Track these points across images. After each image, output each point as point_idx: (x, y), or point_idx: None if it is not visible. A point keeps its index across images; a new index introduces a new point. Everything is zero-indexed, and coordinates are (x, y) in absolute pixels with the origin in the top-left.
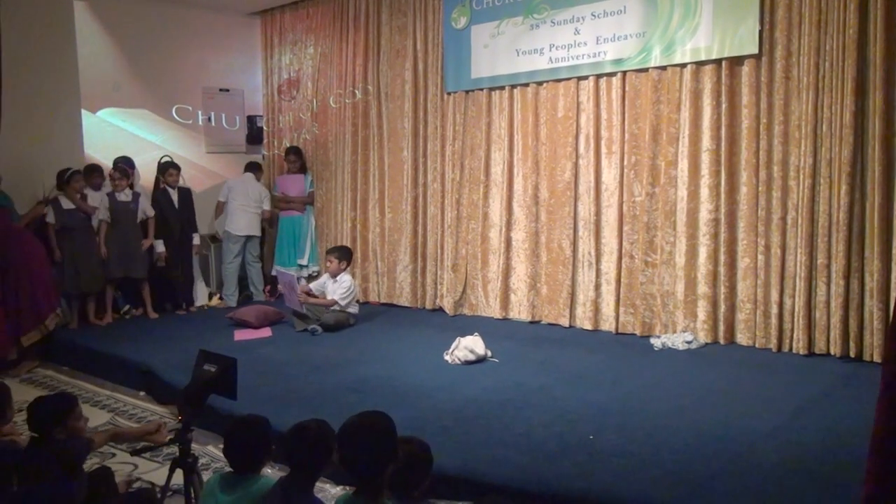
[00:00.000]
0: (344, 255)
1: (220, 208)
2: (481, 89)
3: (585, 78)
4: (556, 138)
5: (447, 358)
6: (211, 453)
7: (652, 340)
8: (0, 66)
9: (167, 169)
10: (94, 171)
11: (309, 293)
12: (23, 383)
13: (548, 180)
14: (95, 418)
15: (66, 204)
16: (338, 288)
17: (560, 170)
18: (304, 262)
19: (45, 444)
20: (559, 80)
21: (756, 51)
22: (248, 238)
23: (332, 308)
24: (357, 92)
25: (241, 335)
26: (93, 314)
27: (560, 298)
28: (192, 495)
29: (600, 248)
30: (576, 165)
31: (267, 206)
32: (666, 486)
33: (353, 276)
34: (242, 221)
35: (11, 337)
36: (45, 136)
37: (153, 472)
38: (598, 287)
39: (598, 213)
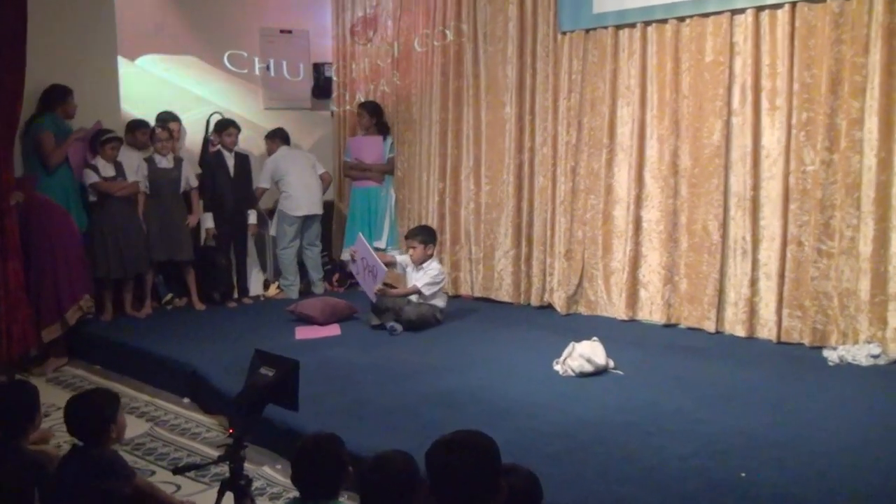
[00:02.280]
0: (429, 238)
1: (260, 194)
2: (605, 27)
3: (742, 11)
4: (701, 90)
5: (557, 368)
6: (267, 475)
7: (826, 353)
8: (26, 7)
9: (226, 128)
10: (138, 127)
11: (387, 286)
12: (49, 384)
13: (690, 144)
14: (131, 427)
15: (105, 169)
16: (423, 276)
17: (707, 131)
18: (381, 244)
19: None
20: (707, 15)
21: None
22: (308, 218)
23: (412, 300)
24: (448, 33)
25: (303, 333)
26: (129, 304)
27: (704, 296)
28: None
29: (758, 231)
30: (727, 125)
31: (321, 169)
32: None
33: (442, 264)
34: (304, 200)
35: (34, 329)
36: (76, 87)
37: (199, 494)
38: (754, 282)
39: (755, 187)
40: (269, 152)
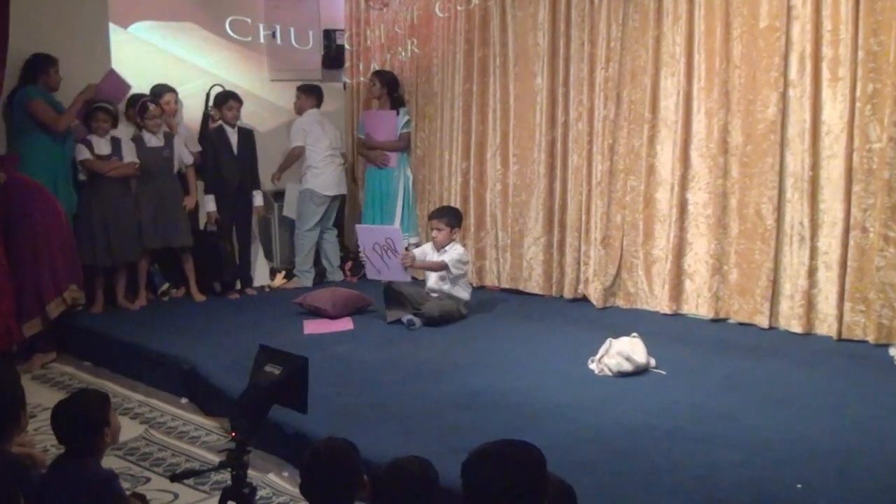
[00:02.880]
0: (455, 221)
1: (297, 156)
2: None
3: None
4: (755, 59)
5: (593, 367)
6: (273, 484)
7: (892, 352)
8: None
9: (226, 101)
10: (133, 103)
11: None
12: (35, 381)
13: (742, 119)
14: (124, 430)
15: (100, 145)
16: (447, 255)
17: (761, 104)
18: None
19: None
20: None
21: None
22: (334, 199)
23: (436, 292)
24: None
25: (312, 327)
26: (121, 295)
27: (757, 288)
28: None
29: (817, 216)
30: (784, 97)
31: (344, 149)
32: None
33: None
34: (333, 177)
35: (18, 323)
36: (63, 58)
37: (198, 503)
38: (812, 273)
39: (815, 167)
40: (298, 110)
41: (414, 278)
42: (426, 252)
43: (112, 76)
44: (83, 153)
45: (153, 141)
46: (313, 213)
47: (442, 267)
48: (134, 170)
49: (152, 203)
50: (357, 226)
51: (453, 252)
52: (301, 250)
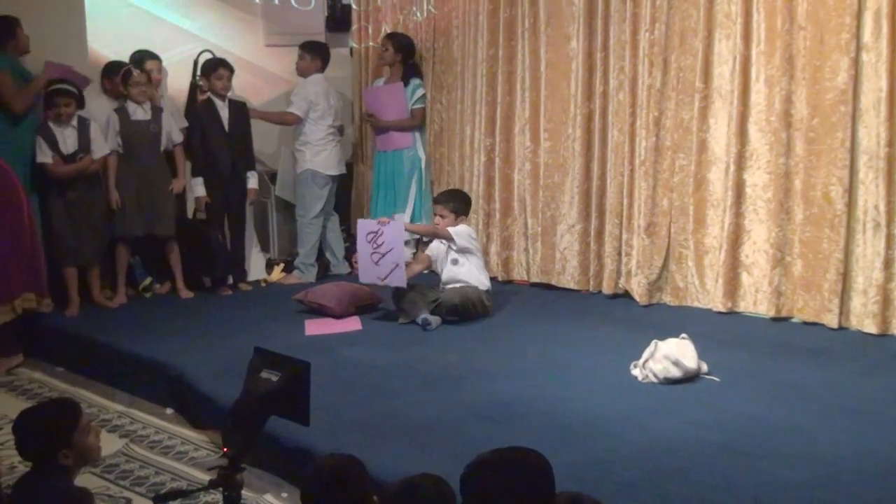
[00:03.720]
0: (461, 207)
1: (287, 123)
2: None
3: None
4: (823, 18)
5: (636, 373)
6: None
7: None
8: None
9: (215, 69)
10: (116, 70)
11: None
12: (0, 390)
13: (808, 88)
14: (102, 445)
15: (63, 138)
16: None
17: (829, 71)
18: (405, 218)
19: (44, 481)
20: None
21: None
22: (336, 178)
23: (452, 283)
24: None
25: (315, 327)
26: (97, 290)
27: (825, 282)
28: None
29: (894, 200)
30: (856, 63)
31: (342, 123)
32: None
33: (489, 240)
34: (335, 154)
35: None
36: (31, 22)
37: None
38: (889, 264)
39: (891, 143)
40: (301, 72)
41: (410, 286)
42: (439, 249)
43: (57, 69)
44: (43, 153)
45: (139, 113)
46: (317, 197)
47: (444, 235)
48: (96, 166)
49: (136, 185)
50: (360, 220)
51: (458, 234)
52: (306, 242)
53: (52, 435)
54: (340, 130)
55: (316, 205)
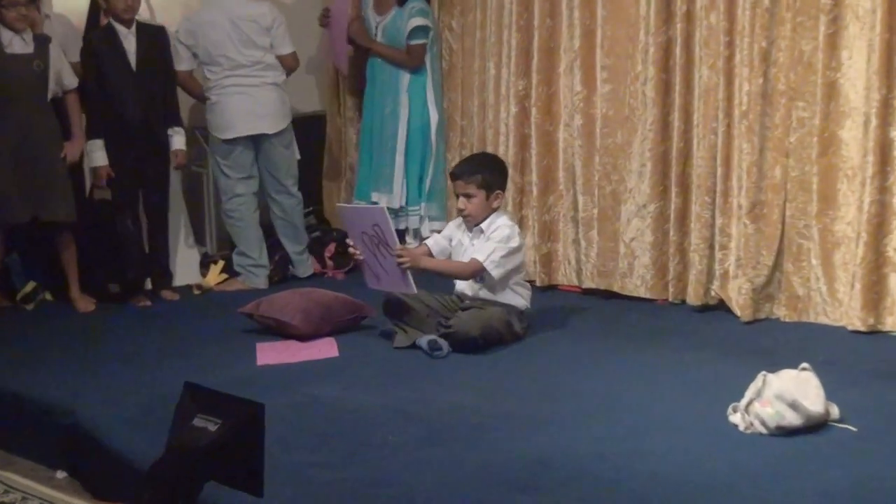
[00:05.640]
0: (494, 177)
1: (196, 93)
2: None
3: None
4: None
5: (736, 420)
6: None
7: None
8: None
9: None
10: None
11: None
12: None
13: None
14: None
15: None
16: (485, 244)
17: None
18: (395, 199)
19: None
20: None
21: None
22: (261, 141)
23: (471, 298)
24: None
25: (270, 354)
26: None
27: None
28: None
29: None
30: None
31: (288, 49)
32: None
33: (523, 228)
34: (243, 106)
35: None
36: None
37: None
38: None
39: None
40: None
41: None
42: (451, 237)
43: None
44: None
45: (17, 44)
46: (232, 170)
47: (472, 272)
48: None
49: (11, 149)
50: (338, 205)
51: (495, 236)
52: (235, 234)
53: None
54: (286, 63)
55: (227, 181)
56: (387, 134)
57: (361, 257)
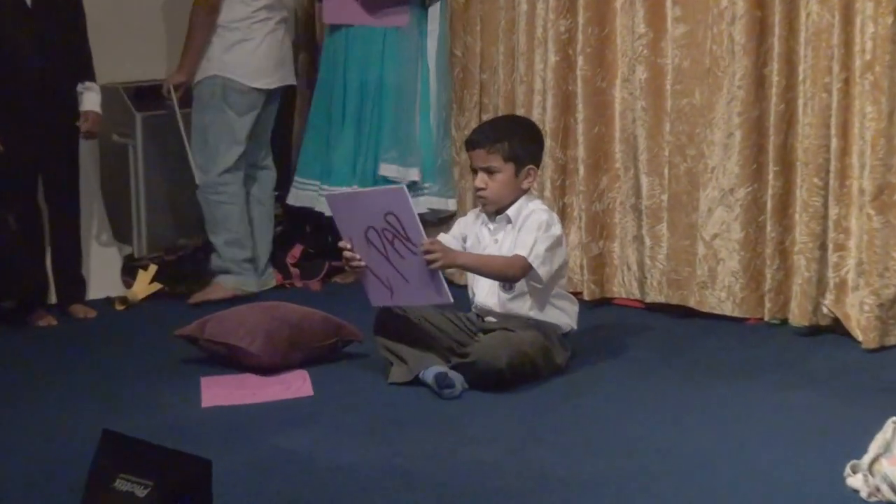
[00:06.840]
0: (524, 148)
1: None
2: None
3: None
4: None
5: (855, 483)
6: None
7: None
8: None
9: None
10: None
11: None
12: None
13: None
14: None
15: None
16: (520, 235)
17: None
18: (396, 170)
19: None
20: None
21: None
22: (271, 99)
23: (496, 315)
24: None
25: (218, 392)
26: None
27: None
28: None
29: None
30: None
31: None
32: None
33: (565, 220)
34: (273, 52)
35: None
36: None
37: None
38: None
39: None
40: None
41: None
42: (465, 236)
43: None
44: None
45: None
46: (233, 131)
47: (520, 269)
48: None
49: None
50: (326, 196)
51: (530, 224)
52: (220, 218)
53: None
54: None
55: (229, 147)
56: (386, 86)
57: (363, 264)
